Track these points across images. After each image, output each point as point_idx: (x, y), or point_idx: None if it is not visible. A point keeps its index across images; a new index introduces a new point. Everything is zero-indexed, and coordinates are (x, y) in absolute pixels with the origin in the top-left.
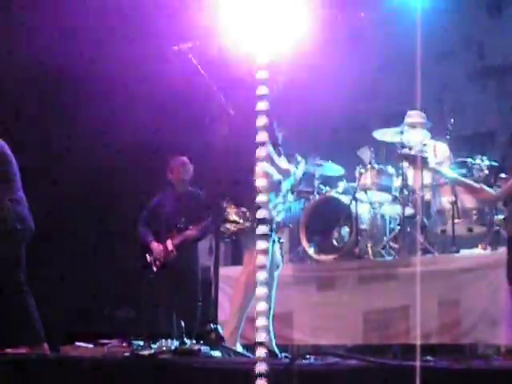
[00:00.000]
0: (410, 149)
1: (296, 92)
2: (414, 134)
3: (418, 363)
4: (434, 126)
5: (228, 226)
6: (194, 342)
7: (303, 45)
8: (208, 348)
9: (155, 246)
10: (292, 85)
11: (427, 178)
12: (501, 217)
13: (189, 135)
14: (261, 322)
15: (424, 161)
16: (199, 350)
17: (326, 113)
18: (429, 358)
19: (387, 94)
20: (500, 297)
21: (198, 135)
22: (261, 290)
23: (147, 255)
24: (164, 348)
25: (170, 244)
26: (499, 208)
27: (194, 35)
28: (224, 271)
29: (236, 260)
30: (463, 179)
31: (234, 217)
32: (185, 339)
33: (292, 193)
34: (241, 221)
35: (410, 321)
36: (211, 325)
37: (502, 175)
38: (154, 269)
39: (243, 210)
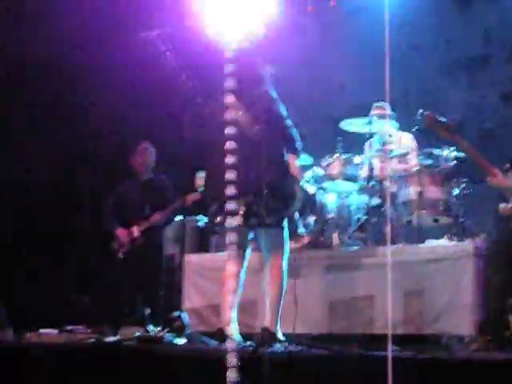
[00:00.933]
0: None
1: None
2: (381, 124)
3: (386, 353)
4: (402, 117)
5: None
6: (158, 329)
7: (272, 33)
8: (172, 335)
9: (120, 232)
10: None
11: (394, 168)
12: (508, 205)
13: (159, 123)
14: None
15: (452, 129)
16: (163, 337)
17: (295, 102)
18: (394, 347)
19: (356, 84)
20: (464, 288)
21: (168, 123)
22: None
23: (113, 242)
24: (128, 335)
25: (135, 230)
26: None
27: (163, 22)
28: (190, 258)
29: (202, 247)
30: (481, 158)
31: (241, 210)
32: (149, 326)
33: None
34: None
35: (374, 311)
36: (175, 312)
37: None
38: (120, 255)
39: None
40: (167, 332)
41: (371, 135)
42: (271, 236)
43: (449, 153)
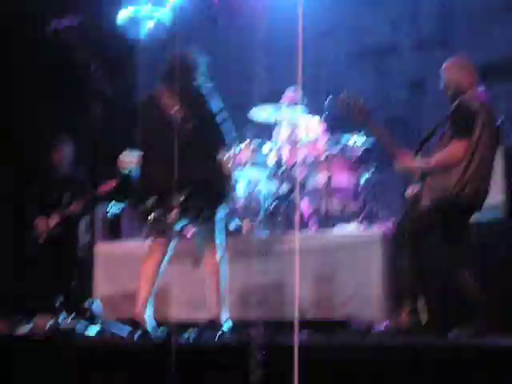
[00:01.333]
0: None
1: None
2: (290, 111)
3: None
4: (312, 103)
5: (172, 213)
6: (71, 318)
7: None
8: (84, 324)
9: (39, 220)
10: None
11: (302, 155)
12: (414, 191)
13: (70, 115)
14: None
15: (367, 114)
16: (74, 328)
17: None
18: (304, 333)
19: (267, 71)
20: (373, 272)
21: (79, 115)
22: None
23: (32, 231)
24: (39, 326)
25: (53, 219)
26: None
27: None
28: (102, 247)
29: (114, 236)
30: (392, 140)
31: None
32: (61, 316)
33: None
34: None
35: (285, 296)
36: (88, 300)
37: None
38: (39, 242)
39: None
40: (80, 320)
41: (279, 122)
42: (204, 232)
43: (357, 139)
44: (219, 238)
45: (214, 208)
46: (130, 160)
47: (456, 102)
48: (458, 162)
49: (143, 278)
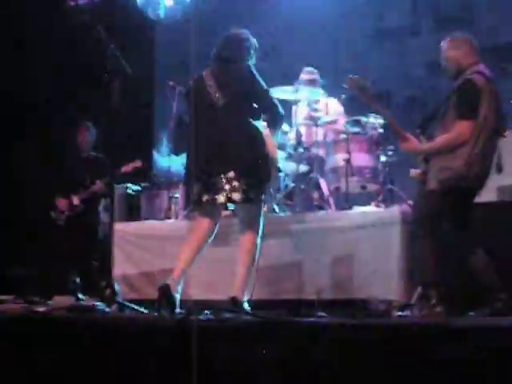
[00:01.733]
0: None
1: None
2: (309, 90)
3: (315, 319)
4: (331, 83)
5: (220, 195)
6: (89, 298)
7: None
8: (103, 304)
9: (60, 200)
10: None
11: (321, 135)
12: (417, 171)
13: (88, 95)
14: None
15: (373, 97)
16: (94, 305)
17: None
18: (322, 313)
19: (286, 52)
20: (392, 253)
21: (98, 95)
22: None
23: (52, 212)
24: (59, 304)
25: (75, 198)
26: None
27: None
28: (120, 226)
29: (131, 216)
30: (396, 124)
31: (227, 186)
32: (80, 295)
33: None
34: (232, 191)
35: (303, 276)
36: (106, 280)
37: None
38: (61, 222)
39: (235, 181)
40: (98, 301)
41: (298, 101)
42: (249, 211)
43: (376, 120)
44: (261, 219)
45: (260, 188)
46: None
47: (459, 81)
48: (464, 143)
49: (182, 255)
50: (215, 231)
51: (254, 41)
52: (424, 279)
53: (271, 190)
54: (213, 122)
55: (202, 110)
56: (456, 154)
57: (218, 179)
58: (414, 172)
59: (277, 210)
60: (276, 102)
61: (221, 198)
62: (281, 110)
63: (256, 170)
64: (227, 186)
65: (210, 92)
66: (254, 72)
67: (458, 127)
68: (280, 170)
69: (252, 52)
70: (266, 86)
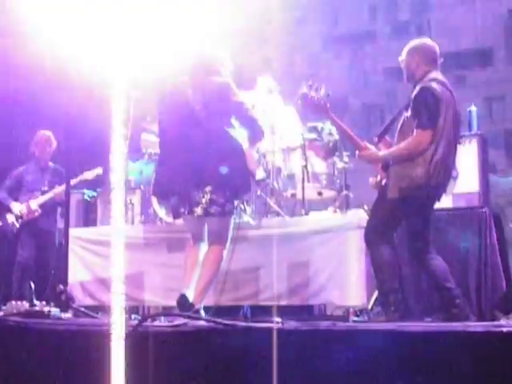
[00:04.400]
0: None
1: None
2: (264, 97)
3: (271, 325)
4: (287, 89)
5: (198, 208)
6: (44, 303)
7: None
8: (58, 310)
9: (15, 204)
10: None
11: (278, 141)
12: (377, 178)
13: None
14: (117, 286)
15: (327, 108)
16: (49, 311)
17: None
18: (277, 319)
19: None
20: (349, 258)
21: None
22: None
23: (7, 216)
24: (14, 310)
25: (33, 203)
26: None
27: None
28: (76, 232)
29: (87, 222)
30: (352, 134)
31: (204, 200)
32: (35, 301)
33: None
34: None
35: (260, 282)
36: (61, 286)
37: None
38: (17, 226)
39: (213, 195)
40: (53, 307)
41: (253, 109)
42: (220, 223)
43: (332, 126)
44: (230, 231)
45: (236, 201)
46: (152, 141)
47: (416, 89)
48: (424, 151)
49: (185, 268)
50: (204, 240)
51: (223, 56)
52: (381, 285)
53: (245, 201)
54: (190, 133)
55: (178, 119)
56: (415, 163)
57: (194, 192)
58: (373, 180)
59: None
60: (255, 116)
61: (198, 211)
62: (260, 124)
63: (233, 184)
64: (204, 200)
65: (189, 102)
66: (234, 87)
67: (416, 136)
68: (259, 182)
69: (224, 67)
70: (244, 101)
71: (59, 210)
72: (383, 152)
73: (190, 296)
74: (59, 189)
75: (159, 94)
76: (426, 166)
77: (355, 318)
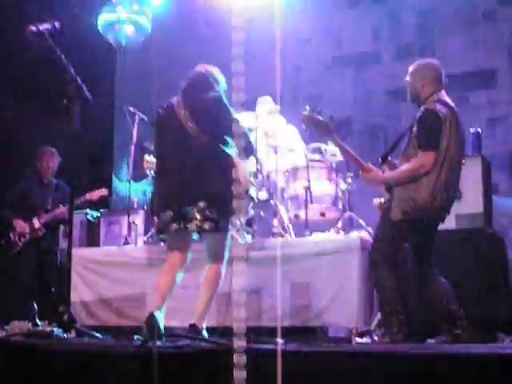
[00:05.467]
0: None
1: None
2: (267, 118)
3: (273, 346)
4: (290, 110)
5: (192, 223)
6: (47, 324)
7: None
8: (61, 330)
9: (19, 222)
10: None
11: (281, 163)
12: (381, 200)
13: (47, 120)
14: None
15: (330, 130)
16: (52, 331)
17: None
18: (280, 340)
19: (245, 79)
20: (351, 280)
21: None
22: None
23: (11, 234)
24: (17, 330)
25: (36, 222)
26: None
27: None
28: (79, 252)
29: (91, 242)
30: (355, 155)
31: (198, 215)
32: (37, 321)
33: None
34: (203, 220)
35: (262, 303)
36: (63, 306)
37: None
38: (19, 245)
39: (207, 211)
40: (55, 327)
41: (256, 130)
42: (216, 240)
43: (335, 148)
44: (227, 248)
45: (230, 217)
46: (154, 162)
47: (420, 111)
48: (427, 174)
49: (158, 287)
50: (189, 259)
51: (217, 75)
52: (384, 307)
53: (240, 218)
54: (184, 151)
55: (172, 138)
56: (419, 185)
57: (189, 209)
58: (377, 202)
59: (236, 236)
60: (246, 131)
61: (192, 226)
62: (251, 139)
63: (227, 200)
64: (198, 216)
65: (181, 120)
66: (225, 102)
67: (420, 158)
68: (252, 198)
69: (216, 85)
70: (235, 116)
71: (61, 228)
72: (387, 174)
73: (160, 318)
74: (62, 209)
75: (154, 116)
76: (430, 188)
77: (358, 340)
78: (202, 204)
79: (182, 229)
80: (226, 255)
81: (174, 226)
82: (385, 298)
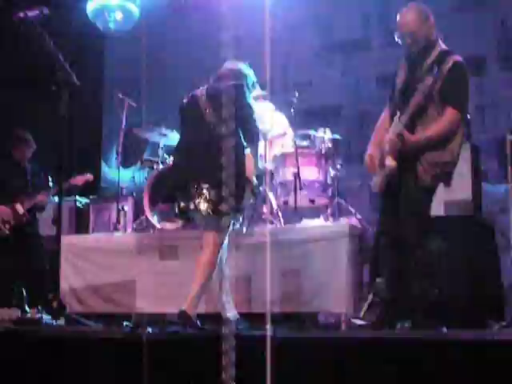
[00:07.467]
0: None
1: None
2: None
3: (263, 332)
4: (279, 97)
5: (204, 205)
6: (36, 311)
7: None
8: (50, 317)
9: (2, 208)
10: None
11: (270, 149)
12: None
13: (35, 107)
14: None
15: None
16: (41, 318)
17: (174, 86)
18: (268, 326)
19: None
20: (340, 266)
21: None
22: None
23: None
24: (5, 317)
25: (20, 207)
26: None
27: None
28: (68, 239)
29: (79, 229)
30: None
31: (211, 197)
32: (26, 308)
33: None
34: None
35: (252, 290)
36: (53, 293)
37: None
38: (5, 232)
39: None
40: (45, 314)
41: None
42: (209, 222)
43: (324, 134)
44: (223, 233)
45: (228, 203)
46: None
47: (450, 63)
48: (454, 135)
49: (196, 274)
50: (225, 243)
51: (245, 70)
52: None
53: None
54: (203, 139)
55: (193, 128)
56: (446, 149)
57: (191, 188)
58: (377, 180)
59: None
60: (258, 129)
61: (191, 206)
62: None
63: (229, 187)
64: (198, 196)
65: (202, 110)
66: (247, 97)
67: (448, 115)
68: (254, 193)
69: (244, 79)
70: (254, 113)
71: (51, 214)
72: (415, 136)
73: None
74: (44, 194)
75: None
76: (454, 154)
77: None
78: (204, 185)
79: (194, 208)
80: (222, 240)
81: (192, 205)
82: (388, 282)
